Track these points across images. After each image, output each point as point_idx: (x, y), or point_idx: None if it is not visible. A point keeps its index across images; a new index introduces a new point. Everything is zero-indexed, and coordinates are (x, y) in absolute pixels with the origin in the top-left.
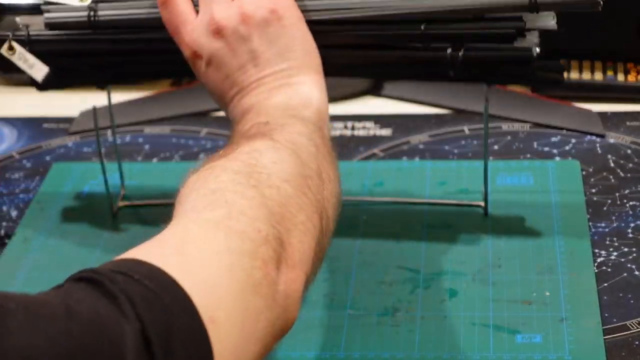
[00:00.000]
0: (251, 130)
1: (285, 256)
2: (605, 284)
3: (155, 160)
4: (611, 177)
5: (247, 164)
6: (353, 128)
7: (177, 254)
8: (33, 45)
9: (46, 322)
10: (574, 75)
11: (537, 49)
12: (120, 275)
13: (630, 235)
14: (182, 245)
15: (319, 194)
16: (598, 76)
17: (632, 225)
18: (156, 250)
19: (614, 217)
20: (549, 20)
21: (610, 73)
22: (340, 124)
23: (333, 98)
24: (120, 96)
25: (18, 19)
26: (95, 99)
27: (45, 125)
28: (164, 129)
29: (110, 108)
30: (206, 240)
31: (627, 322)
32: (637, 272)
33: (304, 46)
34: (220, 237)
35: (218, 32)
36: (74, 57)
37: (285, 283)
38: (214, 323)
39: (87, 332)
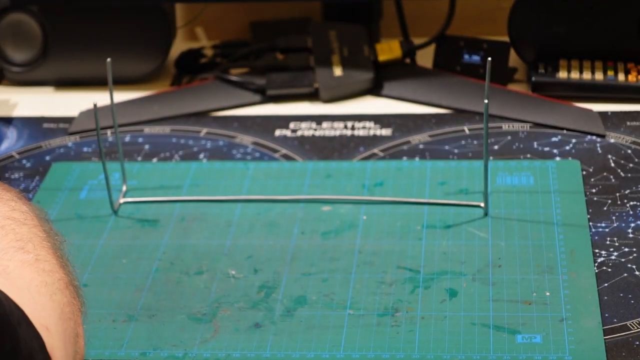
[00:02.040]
0: None
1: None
2: (606, 284)
3: (155, 160)
4: (611, 177)
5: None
6: (353, 128)
7: (6, 284)
8: None
9: None
10: (574, 75)
11: None
12: None
13: (631, 236)
14: (7, 275)
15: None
16: (598, 76)
17: (632, 225)
18: None
19: (614, 217)
20: None
21: (610, 73)
22: (340, 124)
23: (333, 98)
24: (120, 96)
25: None
26: (95, 98)
27: (45, 125)
28: (164, 129)
29: (112, 105)
30: (27, 275)
31: (628, 322)
32: (637, 272)
33: None
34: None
35: None
36: None
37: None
38: (49, 331)
39: None
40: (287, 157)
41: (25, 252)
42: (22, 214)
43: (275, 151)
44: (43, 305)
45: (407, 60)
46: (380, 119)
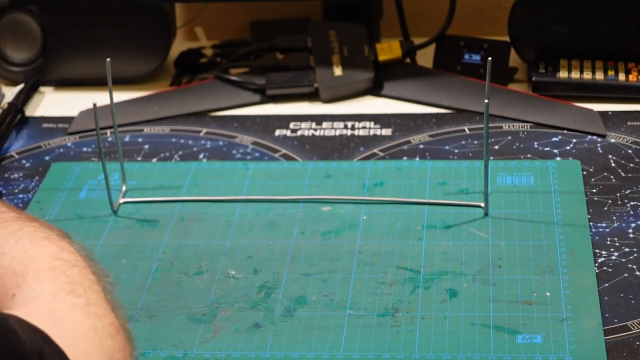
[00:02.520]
0: None
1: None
2: (606, 284)
3: (154, 160)
4: (612, 177)
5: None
6: (353, 128)
7: (52, 328)
8: None
9: None
10: (574, 75)
11: None
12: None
13: (631, 236)
14: (55, 319)
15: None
16: (599, 76)
17: (632, 225)
18: (32, 321)
19: (614, 217)
20: None
21: (611, 73)
22: (340, 124)
23: (333, 98)
24: (120, 96)
25: None
26: (94, 98)
27: (45, 125)
28: (164, 129)
29: (112, 105)
30: (76, 320)
31: (628, 323)
32: (638, 273)
33: None
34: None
35: None
36: None
37: None
38: None
39: None
40: (287, 157)
41: (76, 296)
42: (71, 254)
43: (275, 151)
44: (89, 351)
45: (407, 60)
46: (380, 119)
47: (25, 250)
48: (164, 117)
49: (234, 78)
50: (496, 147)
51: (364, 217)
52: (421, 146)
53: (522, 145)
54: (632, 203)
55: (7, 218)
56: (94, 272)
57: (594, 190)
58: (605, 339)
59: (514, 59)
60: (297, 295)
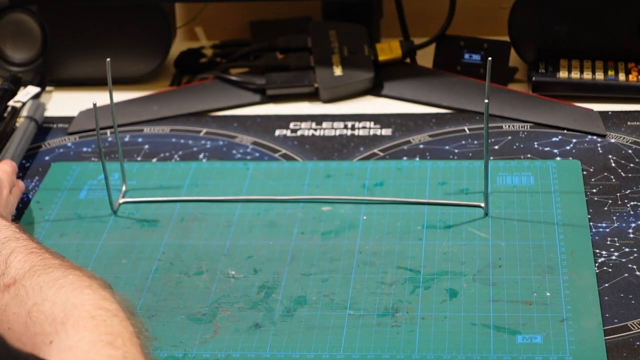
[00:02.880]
0: None
1: None
2: (606, 284)
3: (154, 160)
4: (612, 177)
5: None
6: (353, 128)
7: None
8: None
9: None
10: (574, 74)
11: None
12: None
13: (631, 236)
14: None
15: None
16: (599, 76)
17: (632, 225)
18: None
19: (614, 217)
20: None
21: (611, 73)
22: (340, 124)
23: (333, 98)
24: (120, 96)
25: None
26: (94, 98)
27: (45, 124)
28: (164, 129)
29: (112, 105)
30: None
31: (628, 323)
32: (638, 273)
33: None
34: None
35: None
36: None
37: None
38: None
39: None
40: (287, 157)
41: (114, 348)
42: (112, 304)
43: (275, 151)
44: None
45: (407, 60)
46: (380, 119)
47: (67, 297)
48: (164, 117)
49: (234, 78)
50: (496, 147)
51: (364, 217)
52: (421, 146)
53: (522, 145)
54: (632, 203)
55: (50, 265)
56: (133, 325)
57: (594, 190)
58: (605, 339)
59: (514, 59)
60: (297, 295)
